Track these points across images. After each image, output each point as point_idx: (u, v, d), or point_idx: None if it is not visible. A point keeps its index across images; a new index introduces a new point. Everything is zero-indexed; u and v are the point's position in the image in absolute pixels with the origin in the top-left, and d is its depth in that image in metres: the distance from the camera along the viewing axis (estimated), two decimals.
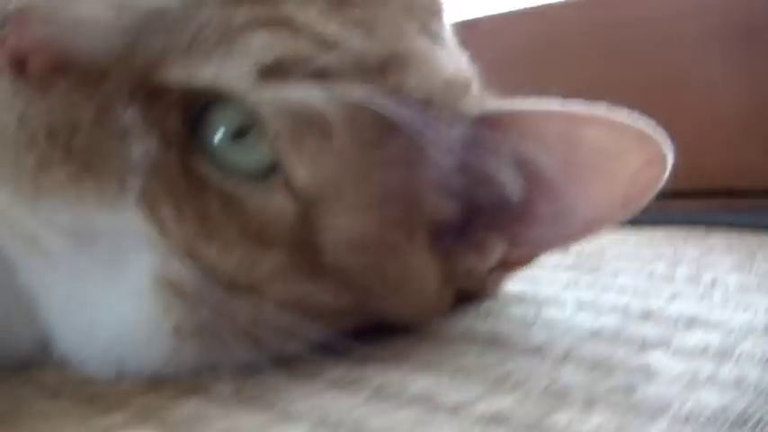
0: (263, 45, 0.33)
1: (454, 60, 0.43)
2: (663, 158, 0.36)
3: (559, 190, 0.40)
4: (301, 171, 0.35)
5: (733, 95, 1.12)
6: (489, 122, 0.40)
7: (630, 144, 0.37)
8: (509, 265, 0.45)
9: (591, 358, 0.40)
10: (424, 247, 0.41)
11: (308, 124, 0.34)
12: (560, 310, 0.50)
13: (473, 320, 0.48)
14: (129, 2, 0.33)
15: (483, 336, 0.45)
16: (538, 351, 0.42)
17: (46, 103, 0.33)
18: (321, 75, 0.34)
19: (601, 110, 0.38)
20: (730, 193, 1.10)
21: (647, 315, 0.48)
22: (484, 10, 1.29)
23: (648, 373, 0.37)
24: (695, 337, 0.43)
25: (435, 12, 0.43)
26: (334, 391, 0.36)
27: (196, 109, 0.35)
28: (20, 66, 0.33)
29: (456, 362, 0.40)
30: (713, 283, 0.58)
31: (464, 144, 0.40)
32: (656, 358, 0.40)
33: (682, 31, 1.16)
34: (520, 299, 0.53)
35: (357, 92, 0.34)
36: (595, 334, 0.45)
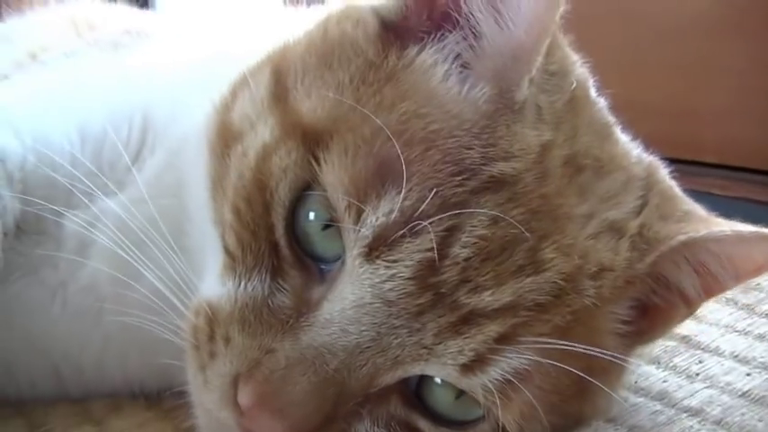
0: (458, 351, 0.39)
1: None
2: None
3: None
4: (512, 418, 0.41)
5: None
6: (683, 247, 0.44)
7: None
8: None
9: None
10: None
11: (512, 387, 0.40)
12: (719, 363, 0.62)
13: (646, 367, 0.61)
14: (330, 356, 0.38)
15: (654, 390, 0.58)
16: (699, 412, 0.55)
17: None
18: (510, 337, 0.39)
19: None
20: None
21: None
22: None
23: None
24: None
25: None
26: None
27: (411, 386, 0.42)
28: None
29: (632, 419, 0.54)
30: None
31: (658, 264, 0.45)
32: None
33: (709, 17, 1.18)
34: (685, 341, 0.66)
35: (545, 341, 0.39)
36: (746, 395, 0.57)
